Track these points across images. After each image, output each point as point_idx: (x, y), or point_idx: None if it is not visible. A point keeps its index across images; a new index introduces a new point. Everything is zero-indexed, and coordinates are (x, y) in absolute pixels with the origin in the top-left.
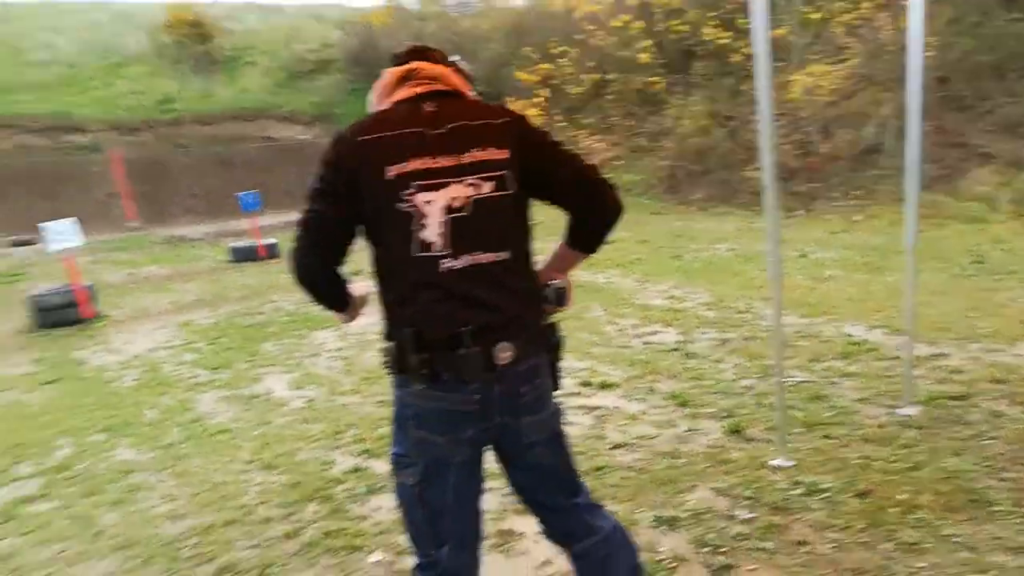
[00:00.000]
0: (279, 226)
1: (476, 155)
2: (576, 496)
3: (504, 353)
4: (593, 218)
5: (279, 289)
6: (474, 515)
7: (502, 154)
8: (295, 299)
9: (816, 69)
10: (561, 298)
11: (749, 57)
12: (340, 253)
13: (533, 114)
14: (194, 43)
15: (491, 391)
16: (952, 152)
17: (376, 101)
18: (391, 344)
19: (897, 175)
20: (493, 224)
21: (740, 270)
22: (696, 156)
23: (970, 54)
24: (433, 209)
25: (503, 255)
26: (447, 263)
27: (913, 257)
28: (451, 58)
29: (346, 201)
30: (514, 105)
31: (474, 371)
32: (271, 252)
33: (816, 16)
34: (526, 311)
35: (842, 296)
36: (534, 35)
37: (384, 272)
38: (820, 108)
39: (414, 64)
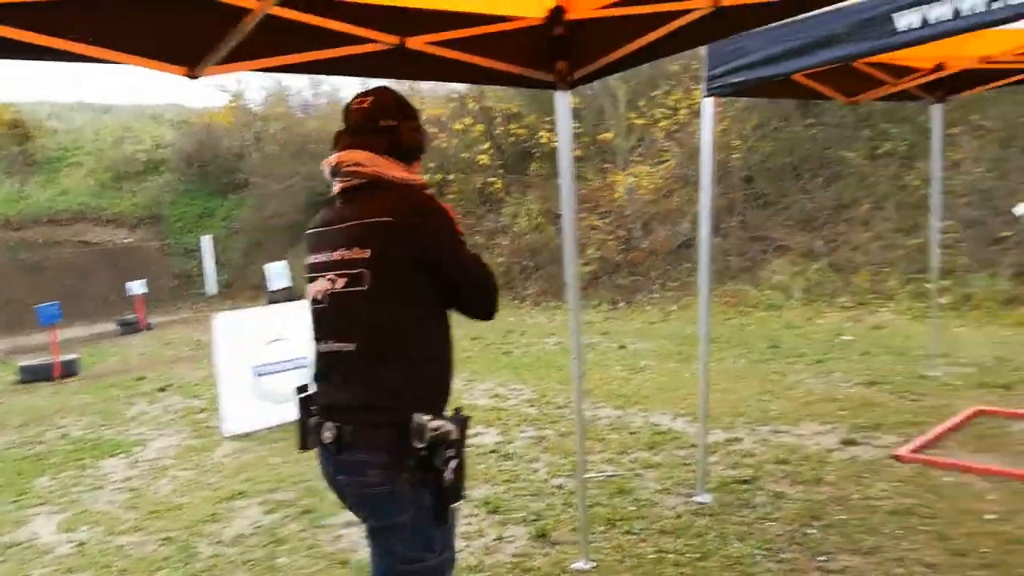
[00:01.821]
0: (86, 338)
1: (342, 254)
2: None
3: (326, 432)
4: (469, 314)
5: (70, 412)
6: None
7: (363, 254)
8: (85, 423)
9: (639, 170)
10: (422, 435)
11: (580, 159)
12: None
13: None
14: (10, 144)
15: (328, 466)
16: (755, 245)
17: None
18: None
19: (707, 269)
20: (344, 316)
21: (564, 364)
22: (530, 252)
23: (772, 156)
24: (310, 298)
25: (350, 346)
26: (317, 346)
27: (707, 345)
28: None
29: None
30: None
31: (304, 440)
32: (68, 370)
33: (640, 121)
34: (367, 401)
35: (654, 386)
36: None
37: None
38: (642, 206)
39: (337, 157)
